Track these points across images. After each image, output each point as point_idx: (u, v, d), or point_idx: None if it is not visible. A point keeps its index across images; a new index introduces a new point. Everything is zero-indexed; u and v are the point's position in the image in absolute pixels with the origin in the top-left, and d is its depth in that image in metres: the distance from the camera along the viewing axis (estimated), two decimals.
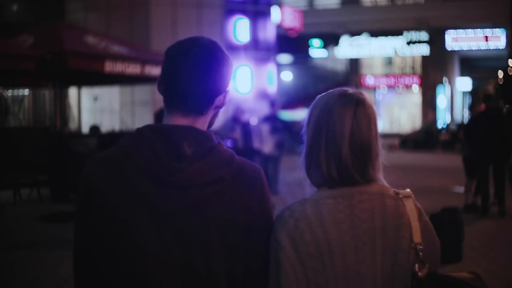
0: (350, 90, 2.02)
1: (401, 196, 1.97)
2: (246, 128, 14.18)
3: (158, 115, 9.46)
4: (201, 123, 1.90)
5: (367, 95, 2.02)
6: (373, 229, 1.90)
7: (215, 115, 1.97)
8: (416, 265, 1.91)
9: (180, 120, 1.87)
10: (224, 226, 1.81)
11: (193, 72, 1.84)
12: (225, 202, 1.82)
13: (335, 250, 1.87)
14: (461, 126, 30.44)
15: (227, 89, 1.94)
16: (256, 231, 1.88)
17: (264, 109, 20.66)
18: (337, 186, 1.94)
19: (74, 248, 1.89)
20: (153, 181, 1.76)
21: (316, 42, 41.94)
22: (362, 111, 1.95)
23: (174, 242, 1.79)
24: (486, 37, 40.32)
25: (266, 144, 13.97)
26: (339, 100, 1.97)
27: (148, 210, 1.78)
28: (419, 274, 1.91)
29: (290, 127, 17.98)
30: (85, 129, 18.80)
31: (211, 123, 1.97)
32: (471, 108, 12.24)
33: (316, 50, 42.62)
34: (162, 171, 1.76)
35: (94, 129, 15.37)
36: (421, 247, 1.92)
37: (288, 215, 1.90)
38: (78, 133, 17.46)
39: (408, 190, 2.02)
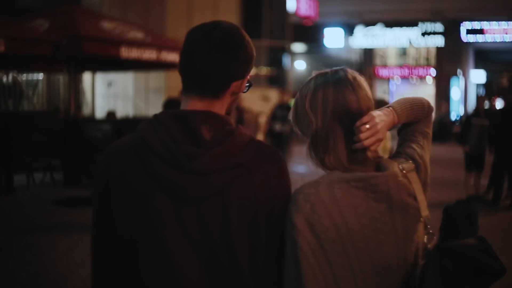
0: (338, 68, 2.01)
1: (405, 172, 1.97)
2: (240, 117, 14.33)
3: (166, 105, 9.45)
4: (218, 108, 1.87)
5: (356, 72, 2.01)
6: (390, 209, 1.90)
7: (232, 102, 1.94)
8: (426, 237, 1.95)
9: (197, 104, 1.85)
10: (245, 210, 1.80)
11: (211, 53, 1.82)
12: (246, 186, 1.80)
13: (355, 234, 1.86)
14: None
15: (247, 76, 1.91)
16: (277, 214, 1.86)
17: (275, 97, 20.66)
18: (350, 168, 1.93)
19: (92, 233, 1.89)
20: (173, 167, 1.75)
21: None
22: (358, 86, 1.96)
23: (196, 228, 1.77)
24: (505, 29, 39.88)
25: (259, 133, 14.11)
26: (332, 80, 1.97)
27: (169, 196, 1.77)
28: (429, 246, 1.95)
29: None
30: (99, 114, 18.84)
31: (229, 111, 1.94)
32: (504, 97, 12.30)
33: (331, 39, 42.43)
34: (181, 157, 1.74)
35: (111, 115, 15.41)
36: (428, 220, 1.96)
37: (303, 199, 1.86)
38: (91, 118, 17.50)
39: (410, 162, 2.02)
